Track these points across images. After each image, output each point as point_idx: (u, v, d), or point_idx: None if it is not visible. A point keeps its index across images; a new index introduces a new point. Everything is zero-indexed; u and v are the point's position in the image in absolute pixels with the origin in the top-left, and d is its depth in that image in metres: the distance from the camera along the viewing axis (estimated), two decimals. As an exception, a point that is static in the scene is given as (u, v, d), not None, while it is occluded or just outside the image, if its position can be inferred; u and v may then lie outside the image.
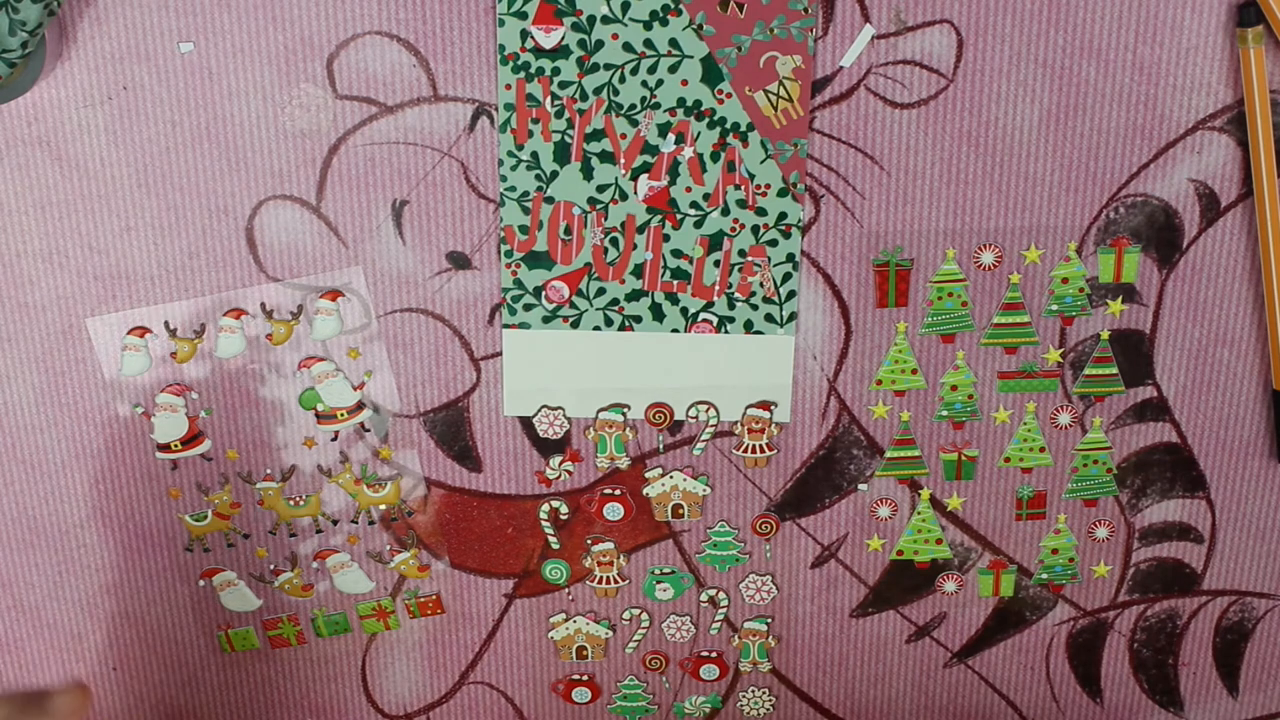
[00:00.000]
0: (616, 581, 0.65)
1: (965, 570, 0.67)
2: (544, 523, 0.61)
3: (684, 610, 0.67)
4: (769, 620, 0.67)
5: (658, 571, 0.62)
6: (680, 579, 0.63)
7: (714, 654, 0.67)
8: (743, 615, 0.67)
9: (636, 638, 0.66)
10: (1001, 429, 0.65)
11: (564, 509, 0.61)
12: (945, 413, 0.64)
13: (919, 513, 0.66)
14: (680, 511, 0.61)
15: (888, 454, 0.65)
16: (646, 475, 0.61)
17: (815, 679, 0.70)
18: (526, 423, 0.64)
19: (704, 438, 0.59)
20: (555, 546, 0.64)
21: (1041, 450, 0.65)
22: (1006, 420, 0.64)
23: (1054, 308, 0.62)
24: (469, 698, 0.70)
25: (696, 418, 0.60)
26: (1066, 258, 0.61)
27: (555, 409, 0.60)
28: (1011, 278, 0.62)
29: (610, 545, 0.63)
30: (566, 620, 0.67)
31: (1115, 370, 0.64)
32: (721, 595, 0.63)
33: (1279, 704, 0.71)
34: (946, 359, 0.63)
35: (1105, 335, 0.63)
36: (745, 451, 0.62)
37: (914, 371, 0.63)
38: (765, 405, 0.57)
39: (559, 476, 0.60)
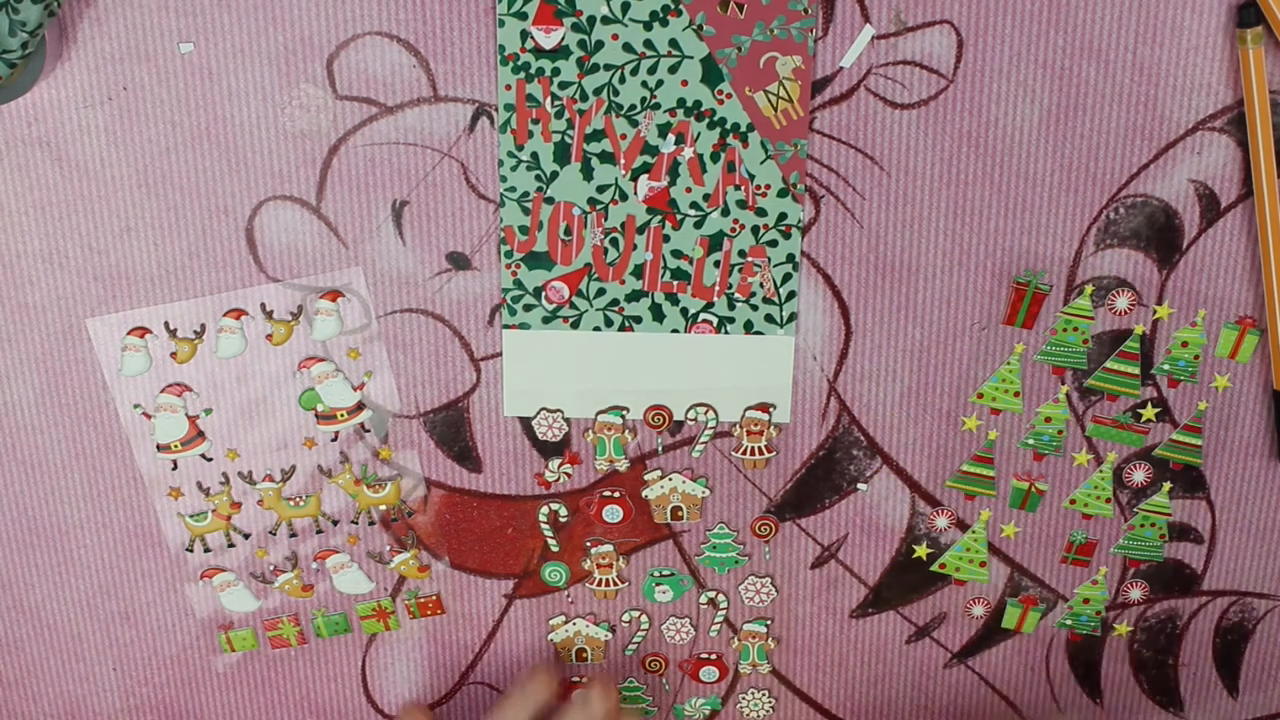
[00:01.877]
0: (616, 584, 0.65)
1: (999, 597, 0.68)
2: (543, 525, 0.61)
3: (683, 612, 0.67)
4: (769, 622, 0.67)
5: (657, 574, 0.62)
6: (680, 581, 0.63)
7: (713, 655, 0.67)
8: (742, 617, 0.67)
9: (636, 639, 0.66)
10: (1078, 470, 0.65)
11: (563, 511, 0.61)
12: (1031, 441, 0.64)
13: (973, 532, 0.66)
14: (680, 514, 0.61)
15: (963, 468, 0.65)
16: (645, 478, 0.61)
17: (815, 679, 0.70)
18: (526, 423, 0.64)
19: (703, 439, 0.59)
20: (554, 549, 0.64)
21: (1107, 501, 0.65)
22: (1085, 463, 0.65)
23: (1165, 367, 0.63)
24: (469, 698, 0.70)
25: (696, 419, 0.59)
26: (1194, 323, 0.62)
27: (554, 411, 0.60)
28: (1136, 329, 0.62)
29: (609, 548, 0.63)
30: (566, 622, 0.67)
31: (1200, 442, 0.64)
32: (721, 597, 0.63)
33: (1279, 704, 0.71)
34: (1050, 390, 0.63)
35: (1203, 406, 0.63)
36: (744, 453, 0.62)
37: (1016, 394, 0.63)
38: (764, 407, 0.57)
39: (558, 479, 0.60)
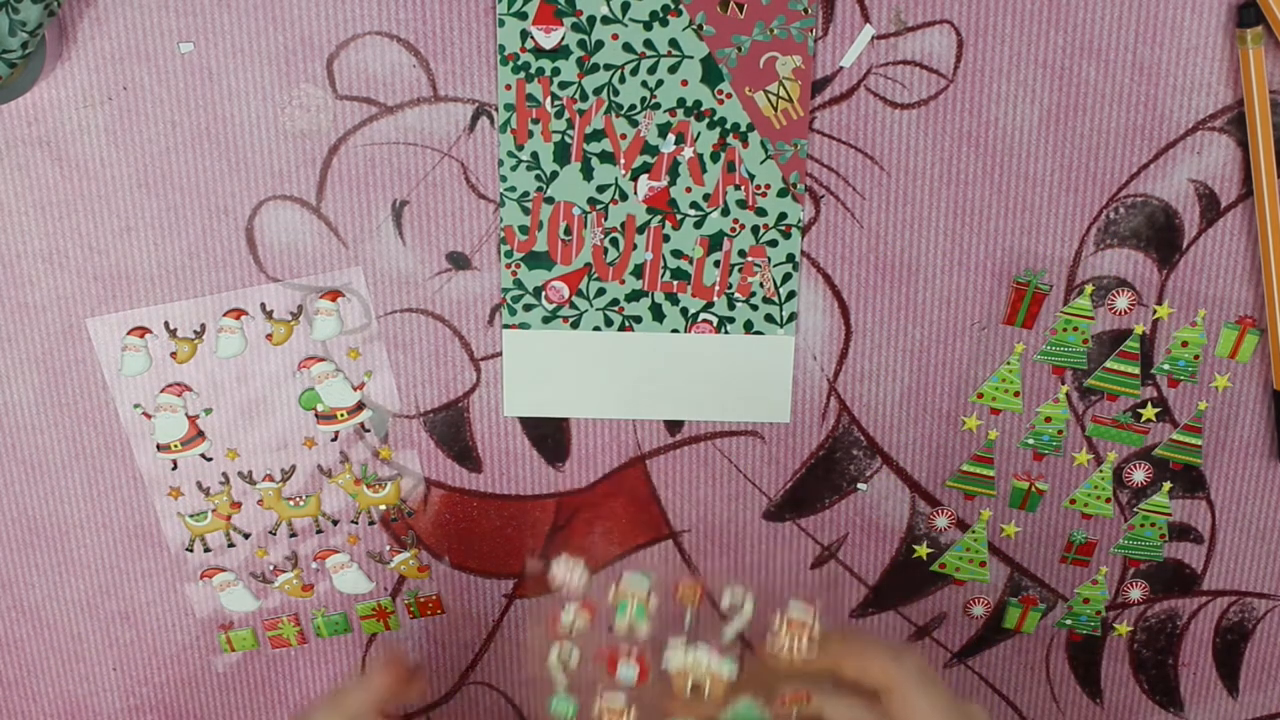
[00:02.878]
0: None
1: (999, 596, 0.67)
2: (553, 667, 0.56)
3: None
4: None
5: None
6: None
7: None
8: None
9: None
10: (1078, 470, 0.65)
11: (575, 657, 0.56)
12: (1031, 441, 0.64)
13: (973, 532, 0.66)
14: (701, 689, 0.55)
15: (963, 468, 0.65)
16: (670, 644, 0.56)
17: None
18: (526, 423, 0.64)
19: (736, 626, 0.55)
20: (562, 685, 0.56)
21: (1107, 501, 0.65)
22: (1085, 463, 0.65)
23: (1165, 367, 0.63)
24: (469, 698, 0.70)
25: (730, 604, 0.55)
26: (1194, 323, 0.62)
27: (575, 562, 0.55)
28: (1136, 329, 0.62)
29: (620, 701, 0.56)
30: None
31: (1200, 442, 0.64)
32: None
33: (1279, 704, 0.71)
34: (1050, 390, 0.63)
35: (1203, 406, 0.63)
36: (781, 651, 0.53)
37: (1016, 394, 0.63)
38: (810, 604, 0.53)
39: (571, 629, 0.55)
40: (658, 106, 0.59)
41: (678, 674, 0.53)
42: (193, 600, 0.67)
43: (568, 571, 0.54)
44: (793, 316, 0.62)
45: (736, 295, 0.62)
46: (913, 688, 0.49)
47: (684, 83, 0.58)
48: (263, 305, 0.61)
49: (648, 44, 0.58)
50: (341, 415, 0.63)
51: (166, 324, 0.61)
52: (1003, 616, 0.68)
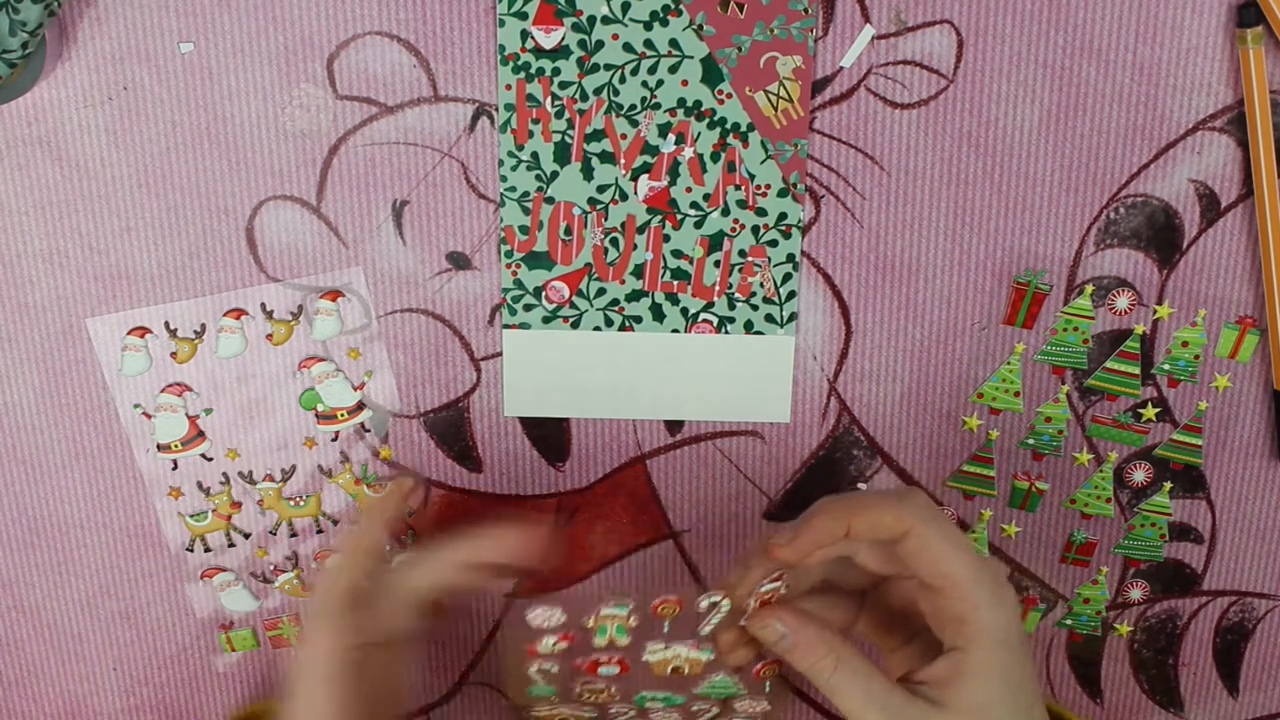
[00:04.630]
0: (610, 697, 0.60)
1: None
2: (533, 676, 0.57)
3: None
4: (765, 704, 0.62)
5: (649, 695, 0.59)
6: (671, 698, 0.60)
7: None
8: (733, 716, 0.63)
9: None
10: (1078, 470, 0.65)
11: (554, 669, 0.57)
12: (1031, 441, 0.64)
13: (973, 532, 0.66)
14: (680, 671, 0.58)
15: (963, 467, 0.65)
16: (648, 646, 0.57)
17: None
18: (526, 423, 0.64)
19: (713, 621, 0.56)
20: (544, 689, 0.57)
21: (1108, 501, 0.65)
22: (1086, 463, 0.65)
23: (1165, 367, 0.63)
24: (469, 698, 0.70)
25: (707, 607, 0.56)
26: (1194, 323, 0.62)
27: (552, 609, 0.56)
28: (1136, 329, 0.62)
29: (600, 685, 0.58)
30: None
31: (1200, 441, 0.64)
32: (715, 709, 0.60)
33: (1279, 704, 0.71)
34: (1050, 390, 0.63)
35: (1203, 406, 0.63)
36: (752, 619, 0.54)
37: (1016, 394, 0.63)
38: (778, 576, 0.55)
39: (551, 653, 0.56)
40: (658, 106, 0.59)
41: (658, 663, 0.55)
42: (193, 600, 0.67)
43: (545, 618, 0.54)
44: (793, 316, 0.62)
45: (737, 295, 0.62)
46: (924, 524, 0.49)
47: (684, 83, 0.58)
48: (263, 305, 0.61)
49: (648, 44, 0.58)
50: (342, 415, 0.63)
51: (166, 324, 0.61)
52: (1003, 616, 0.68)
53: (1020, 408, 0.64)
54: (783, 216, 0.61)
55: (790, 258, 0.61)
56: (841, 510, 0.51)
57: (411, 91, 0.58)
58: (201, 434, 0.63)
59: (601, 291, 0.62)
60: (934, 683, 0.49)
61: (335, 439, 0.64)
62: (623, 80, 0.58)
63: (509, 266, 0.61)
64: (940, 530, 0.49)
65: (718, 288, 0.62)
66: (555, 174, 0.60)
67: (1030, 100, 0.59)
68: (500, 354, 0.63)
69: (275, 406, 0.63)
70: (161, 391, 0.63)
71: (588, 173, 0.60)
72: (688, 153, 0.60)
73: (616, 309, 0.62)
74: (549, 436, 0.64)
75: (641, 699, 0.58)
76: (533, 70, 0.58)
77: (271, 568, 0.66)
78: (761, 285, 0.62)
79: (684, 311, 0.62)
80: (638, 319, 0.62)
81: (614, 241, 0.61)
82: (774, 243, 0.61)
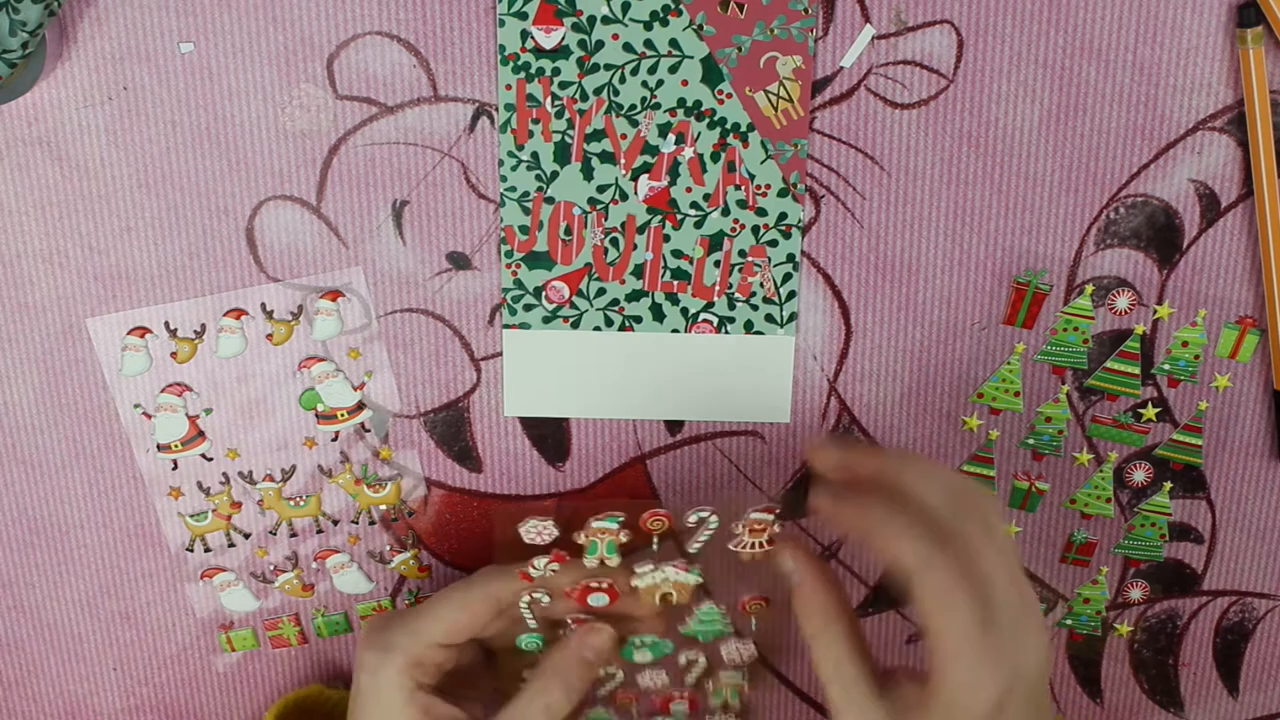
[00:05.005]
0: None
1: None
2: (523, 609, 0.58)
3: (659, 664, 0.64)
4: (745, 672, 0.63)
5: (638, 641, 0.59)
6: (660, 645, 0.60)
7: (685, 694, 0.64)
8: (721, 667, 0.63)
9: (608, 687, 0.63)
10: (1078, 471, 0.65)
11: (545, 599, 0.58)
12: (1031, 441, 0.64)
13: None
14: (670, 598, 0.59)
15: (963, 468, 0.65)
16: (636, 569, 0.58)
17: (814, 678, 0.70)
18: (527, 423, 0.64)
19: (701, 539, 0.57)
20: (532, 627, 0.59)
21: (1108, 501, 0.65)
22: (1086, 463, 0.65)
23: (1165, 367, 0.63)
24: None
25: (696, 521, 0.57)
26: (1194, 323, 0.62)
27: (544, 521, 0.57)
28: (1136, 329, 0.62)
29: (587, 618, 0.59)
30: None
31: (1200, 441, 0.64)
32: (702, 658, 0.61)
33: (1279, 704, 0.71)
34: (1050, 390, 0.63)
35: (1203, 406, 0.63)
36: (742, 547, 0.58)
37: (1016, 394, 0.63)
38: (769, 509, 0.55)
39: (543, 574, 0.57)
40: (658, 106, 0.59)
41: (646, 590, 0.56)
42: (193, 600, 0.67)
43: (538, 531, 0.55)
44: (793, 316, 0.62)
45: (737, 295, 0.62)
46: (924, 572, 0.48)
47: (684, 83, 0.58)
48: (263, 305, 0.61)
49: (648, 44, 0.58)
50: (342, 415, 0.63)
51: (166, 324, 0.61)
52: (1003, 616, 0.68)
53: (1020, 408, 0.64)
54: (783, 216, 0.61)
55: (790, 258, 0.61)
56: (868, 521, 0.51)
57: (411, 91, 0.58)
58: (201, 434, 0.63)
59: (601, 291, 0.62)
60: (901, 699, 0.50)
61: (335, 439, 0.64)
62: (623, 80, 0.58)
63: (509, 266, 0.61)
64: (938, 584, 0.48)
65: (718, 288, 0.62)
66: (555, 174, 0.60)
67: (1030, 100, 0.59)
68: (500, 354, 0.63)
69: (275, 406, 0.63)
70: (161, 391, 0.63)
71: (588, 173, 0.60)
72: (688, 153, 0.60)
73: (616, 309, 0.62)
74: (549, 436, 0.64)
75: (629, 650, 0.59)
76: (533, 70, 0.58)
77: (271, 568, 0.66)
78: (761, 285, 0.62)
79: (684, 311, 0.62)
80: (638, 319, 0.62)
81: (614, 241, 0.61)
82: (774, 243, 0.61)
